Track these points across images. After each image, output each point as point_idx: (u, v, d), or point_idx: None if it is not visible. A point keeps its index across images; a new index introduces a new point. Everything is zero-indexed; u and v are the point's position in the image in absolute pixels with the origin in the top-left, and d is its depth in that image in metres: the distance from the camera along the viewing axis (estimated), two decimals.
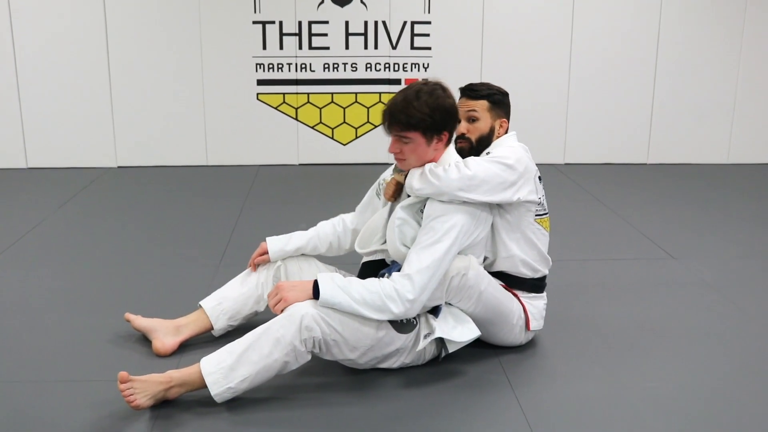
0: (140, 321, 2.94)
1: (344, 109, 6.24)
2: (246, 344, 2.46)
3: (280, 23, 6.03)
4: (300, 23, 6.05)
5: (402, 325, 2.62)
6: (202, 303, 2.97)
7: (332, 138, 6.30)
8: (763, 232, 4.73)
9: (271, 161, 6.25)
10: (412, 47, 6.18)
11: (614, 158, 6.59)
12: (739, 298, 3.56)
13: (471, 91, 3.12)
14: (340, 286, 2.50)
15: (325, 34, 6.09)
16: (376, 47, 6.15)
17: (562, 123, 6.46)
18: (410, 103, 2.62)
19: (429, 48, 6.20)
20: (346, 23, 6.09)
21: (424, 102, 2.61)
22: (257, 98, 6.14)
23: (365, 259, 2.88)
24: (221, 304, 2.95)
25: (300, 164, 6.29)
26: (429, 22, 6.15)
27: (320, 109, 6.21)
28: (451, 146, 2.79)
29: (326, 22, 6.07)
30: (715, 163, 6.72)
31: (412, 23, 6.14)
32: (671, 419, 2.49)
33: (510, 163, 2.75)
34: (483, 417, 2.49)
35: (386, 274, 2.64)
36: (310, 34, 6.08)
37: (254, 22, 6.02)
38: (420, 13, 6.13)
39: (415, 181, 2.66)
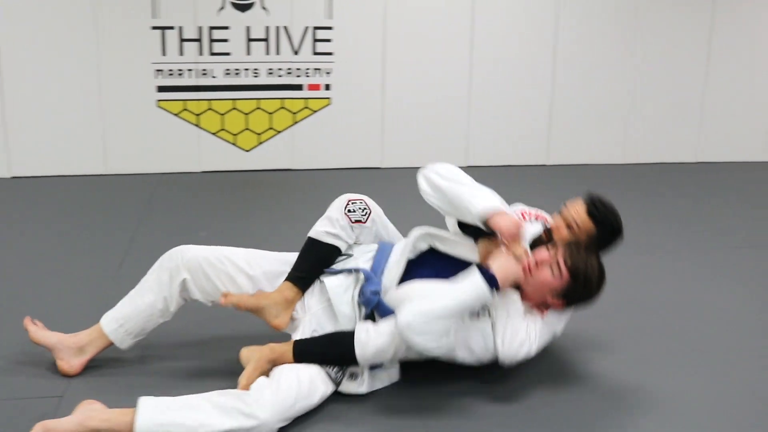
0: (41, 334, 2.76)
1: (246, 115, 6.18)
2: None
3: (180, 29, 5.93)
4: (200, 29, 5.97)
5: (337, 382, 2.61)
6: (102, 324, 2.78)
7: (235, 144, 6.24)
8: (655, 229, 4.92)
9: (173, 169, 6.14)
10: (315, 53, 6.17)
11: (515, 160, 6.73)
12: (630, 291, 3.69)
13: (594, 216, 2.87)
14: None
15: (226, 40, 6.02)
16: (278, 53, 6.12)
17: (464, 126, 6.56)
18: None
19: (331, 53, 6.20)
20: (248, 29, 6.03)
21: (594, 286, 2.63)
22: (157, 105, 6.03)
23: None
24: (123, 326, 2.78)
25: (202, 171, 6.20)
26: (331, 28, 6.16)
27: (222, 115, 6.14)
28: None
29: (227, 28, 6.00)
30: (612, 163, 6.95)
31: (314, 29, 6.13)
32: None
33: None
34: None
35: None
36: (211, 40, 6.00)
37: (153, 28, 5.90)
38: (322, 19, 6.13)
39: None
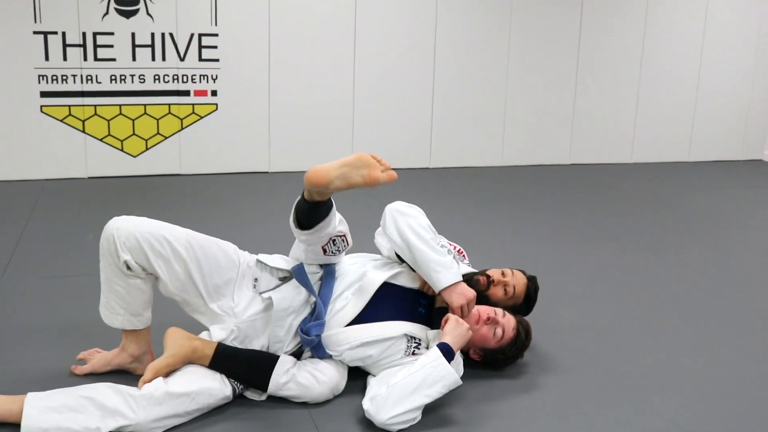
0: (100, 361, 2.81)
1: (133, 120, 6.21)
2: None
3: (63, 34, 5.92)
4: (84, 34, 5.96)
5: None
6: (120, 326, 2.76)
7: (122, 150, 6.26)
8: (525, 225, 5.27)
9: (59, 175, 6.11)
10: (201, 59, 6.27)
11: (399, 163, 6.98)
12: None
13: (529, 295, 3.22)
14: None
15: (111, 46, 6.04)
16: (164, 59, 6.18)
17: (349, 130, 6.78)
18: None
19: (217, 60, 6.31)
20: (133, 35, 6.07)
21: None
22: (41, 110, 5.99)
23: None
24: (126, 312, 2.72)
25: (89, 177, 6.19)
26: (216, 35, 6.26)
27: (108, 121, 6.15)
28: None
29: (111, 34, 6.02)
30: (490, 166, 7.31)
31: (200, 35, 6.22)
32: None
33: None
34: None
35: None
36: (95, 46, 6.00)
37: (35, 32, 5.86)
38: (207, 26, 6.23)
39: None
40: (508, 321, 2.89)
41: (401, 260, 2.98)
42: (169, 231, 2.67)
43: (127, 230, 2.61)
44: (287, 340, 2.73)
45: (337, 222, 2.75)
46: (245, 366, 2.62)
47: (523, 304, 3.20)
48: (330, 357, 2.75)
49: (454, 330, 2.67)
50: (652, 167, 7.78)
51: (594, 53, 7.48)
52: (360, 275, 2.85)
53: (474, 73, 7.10)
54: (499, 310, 2.90)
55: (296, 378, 2.64)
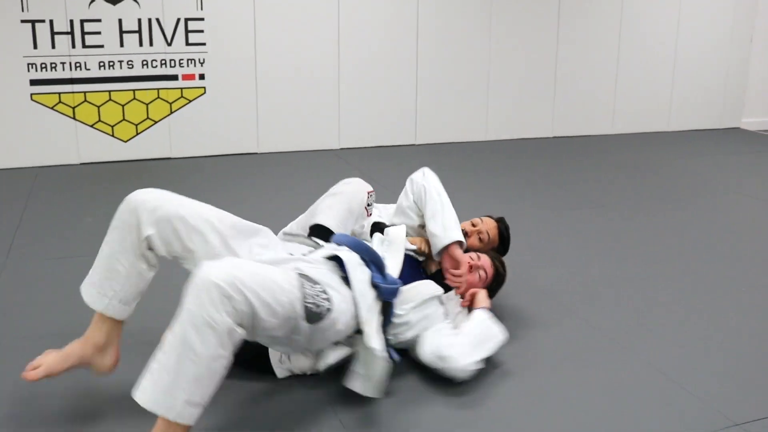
0: (54, 366, 2.41)
1: (123, 106, 6.29)
2: (174, 352, 2.03)
3: (51, 22, 5.98)
4: (71, 22, 6.03)
5: (312, 314, 2.28)
6: (95, 306, 2.49)
7: (113, 135, 6.34)
8: (511, 195, 5.42)
9: (51, 162, 6.19)
10: (188, 43, 6.34)
11: (386, 141, 7.12)
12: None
13: (502, 236, 3.46)
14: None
15: (99, 33, 6.11)
16: (151, 44, 6.25)
17: (336, 110, 6.88)
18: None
19: (204, 44, 6.39)
20: (120, 21, 6.14)
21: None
22: (31, 99, 6.06)
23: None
24: (115, 297, 2.47)
25: (81, 163, 6.28)
26: (202, 19, 6.34)
27: (98, 107, 6.23)
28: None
29: (99, 20, 6.08)
30: (474, 141, 7.44)
31: (186, 20, 6.29)
32: None
33: None
34: None
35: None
36: (83, 33, 6.07)
37: (23, 21, 5.92)
38: (193, 10, 6.30)
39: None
40: (485, 260, 3.11)
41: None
42: (198, 205, 2.54)
43: (155, 203, 2.44)
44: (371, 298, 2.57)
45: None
46: None
47: (499, 246, 3.42)
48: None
49: (486, 298, 2.97)
50: (633, 137, 7.94)
51: (573, 29, 7.61)
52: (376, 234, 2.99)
53: (457, 49, 7.22)
54: (473, 254, 3.11)
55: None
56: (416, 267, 3.03)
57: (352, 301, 2.47)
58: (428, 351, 2.69)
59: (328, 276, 2.47)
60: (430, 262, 3.09)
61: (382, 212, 3.38)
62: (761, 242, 4.64)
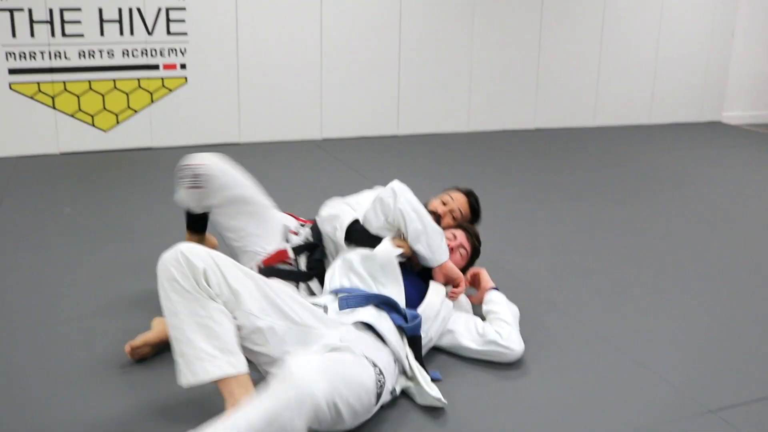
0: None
1: (103, 95, 6.25)
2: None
3: (30, 10, 5.91)
4: (51, 10, 5.97)
5: (378, 397, 2.32)
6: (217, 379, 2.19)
7: (93, 125, 6.30)
8: (493, 186, 5.43)
9: (30, 152, 6.14)
10: (169, 33, 6.31)
11: (369, 131, 7.12)
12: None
13: (474, 208, 3.47)
14: None
15: (79, 22, 6.06)
16: (132, 34, 6.21)
17: (318, 100, 6.87)
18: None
19: (185, 33, 6.36)
20: (100, 10, 6.09)
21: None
22: (10, 88, 6.00)
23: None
24: (230, 356, 2.24)
25: (61, 153, 6.24)
26: (183, 8, 6.30)
27: (78, 96, 6.19)
28: None
29: (79, 9, 6.03)
30: (456, 132, 7.45)
31: (167, 9, 6.26)
32: None
33: None
34: None
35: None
36: (63, 22, 6.02)
37: (1, 9, 5.86)
38: (174, 0, 6.27)
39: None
40: (462, 237, 3.16)
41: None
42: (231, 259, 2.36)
43: (196, 248, 2.26)
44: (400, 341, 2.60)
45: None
46: None
47: (471, 219, 3.45)
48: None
49: (488, 277, 3.17)
50: (614, 130, 7.98)
51: (556, 21, 7.63)
52: (362, 256, 2.87)
53: (439, 40, 7.22)
54: (449, 233, 3.13)
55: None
56: (409, 271, 2.94)
57: (393, 357, 2.50)
58: (487, 342, 2.83)
59: (369, 341, 2.46)
60: (415, 258, 3.02)
61: (353, 204, 3.33)
62: (738, 233, 4.68)
